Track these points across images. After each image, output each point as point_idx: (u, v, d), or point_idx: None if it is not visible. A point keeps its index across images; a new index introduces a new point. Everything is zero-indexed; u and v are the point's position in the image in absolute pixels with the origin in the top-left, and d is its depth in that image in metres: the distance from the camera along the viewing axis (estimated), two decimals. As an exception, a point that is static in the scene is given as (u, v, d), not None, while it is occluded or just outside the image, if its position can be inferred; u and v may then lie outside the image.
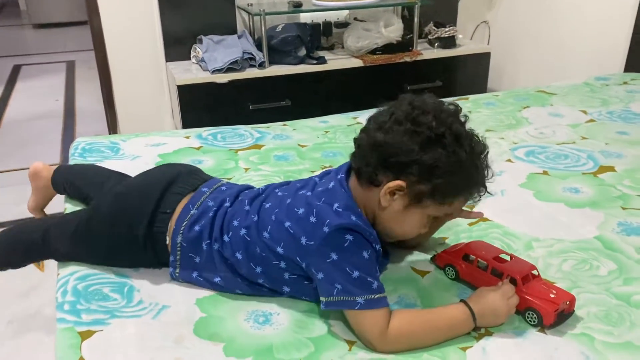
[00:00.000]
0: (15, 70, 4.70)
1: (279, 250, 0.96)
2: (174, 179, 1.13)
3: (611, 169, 1.51)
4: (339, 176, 0.99)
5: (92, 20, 2.67)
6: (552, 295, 0.94)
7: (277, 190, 1.07)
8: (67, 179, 1.34)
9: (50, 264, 1.19)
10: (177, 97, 2.50)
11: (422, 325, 0.91)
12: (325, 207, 0.94)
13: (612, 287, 1.04)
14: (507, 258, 1.04)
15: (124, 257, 1.09)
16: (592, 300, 1.00)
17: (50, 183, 1.37)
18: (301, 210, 0.95)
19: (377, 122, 0.95)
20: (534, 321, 0.93)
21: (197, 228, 1.04)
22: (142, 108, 2.87)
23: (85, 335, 0.92)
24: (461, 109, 0.96)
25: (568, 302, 0.94)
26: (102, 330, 0.93)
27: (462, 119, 0.95)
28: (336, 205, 0.93)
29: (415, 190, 0.92)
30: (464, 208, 1.04)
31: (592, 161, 1.56)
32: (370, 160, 0.94)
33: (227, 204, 1.07)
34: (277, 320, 0.96)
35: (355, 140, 0.99)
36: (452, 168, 0.90)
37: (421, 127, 0.90)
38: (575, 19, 2.69)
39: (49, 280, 1.33)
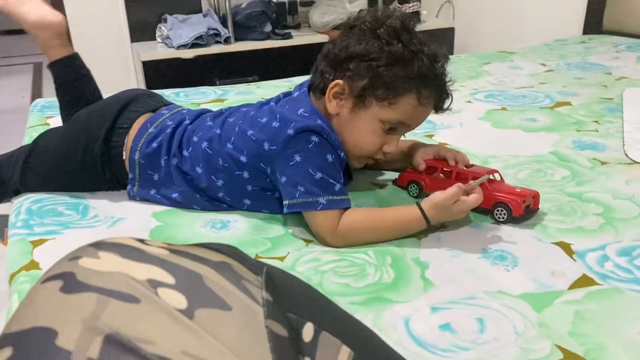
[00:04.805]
0: (-19, 73, 4.63)
1: (242, 158, 0.95)
2: (133, 99, 1.12)
3: (567, 104, 1.54)
4: (302, 90, 1.01)
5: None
6: (518, 190, 0.96)
7: (241, 108, 1.07)
8: (77, 70, 1.25)
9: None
10: (143, 74, 2.49)
11: (373, 223, 0.91)
12: (290, 112, 0.94)
13: (565, 188, 1.06)
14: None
15: (81, 181, 1.07)
16: (546, 199, 1.01)
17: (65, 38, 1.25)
18: (264, 119, 0.96)
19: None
20: (503, 217, 0.94)
21: (154, 145, 1.03)
22: (110, 93, 2.84)
23: (37, 243, 0.91)
24: (414, 22, 0.97)
25: (533, 197, 0.96)
26: (54, 239, 0.92)
27: (410, 22, 0.95)
28: (301, 110, 0.94)
29: (354, 87, 0.93)
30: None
31: (549, 99, 1.59)
32: (319, 67, 0.97)
33: (187, 122, 1.06)
34: (235, 225, 0.96)
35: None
36: (387, 59, 0.91)
37: (357, 25, 0.94)
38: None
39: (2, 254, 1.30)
